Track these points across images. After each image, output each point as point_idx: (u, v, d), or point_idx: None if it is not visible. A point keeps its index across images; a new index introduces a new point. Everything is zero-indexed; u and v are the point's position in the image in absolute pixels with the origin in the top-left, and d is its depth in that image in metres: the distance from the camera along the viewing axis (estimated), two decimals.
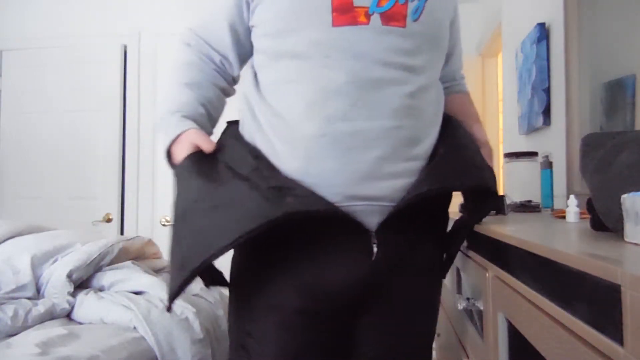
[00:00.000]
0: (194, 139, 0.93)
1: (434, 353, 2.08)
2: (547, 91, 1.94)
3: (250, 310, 0.93)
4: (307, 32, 0.89)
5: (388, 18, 0.89)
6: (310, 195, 0.86)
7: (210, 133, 1.01)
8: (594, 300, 0.45)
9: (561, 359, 0.52)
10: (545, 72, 1.96)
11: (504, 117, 2.86)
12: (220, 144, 0.96)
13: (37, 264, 1.81)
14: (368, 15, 0.88)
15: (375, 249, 0.88)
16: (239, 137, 0.97)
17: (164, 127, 0.97)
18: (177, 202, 0.90)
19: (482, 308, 0.92)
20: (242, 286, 0.97)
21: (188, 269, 0.82)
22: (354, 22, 0.88)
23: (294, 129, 0.88)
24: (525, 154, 1.68)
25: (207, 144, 0.93)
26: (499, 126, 3.22)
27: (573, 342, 0.48)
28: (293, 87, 0.90)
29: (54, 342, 1.39)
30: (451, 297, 1.32)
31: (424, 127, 0.93)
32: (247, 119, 0.96)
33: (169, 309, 0.94)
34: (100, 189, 3.09)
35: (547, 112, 1.94)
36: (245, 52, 1.01)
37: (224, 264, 0.96)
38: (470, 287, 1.12)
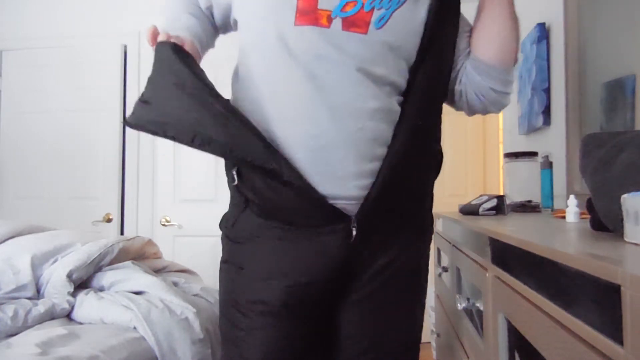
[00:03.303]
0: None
1: (433, 353, 2.07)
2: (547, 91, 1.94)
3: (236, 304, 0.96)
4: (272, 29, 0.91)
5: (350, 24, 0.89)
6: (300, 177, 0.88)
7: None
8: (594, 300, 0.45)
9: (561, 359, 0.52)
10: (545, 72, 1.96)
11: (504, 117, 2.86)
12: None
13: (37, 264, 1.81)
14: (330, 19, 0.89)
15: (354, 232, 0.90)
16: None
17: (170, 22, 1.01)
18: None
19: (482, 308, 0.92)
20: (228, 282, 1.00)
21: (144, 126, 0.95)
22: (315, 23, 0.89)
23: (262, 130, 0.89)
24: (525, 154, 1.68)
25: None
26: (499, 126, 3.22)
27: (573, 342, 0.48)
28: (259, 86, 0.93)
29: (54, 342, 1.38)
30: (451, 297, 1.32)
31: (390, 128, 0.92)
32: None
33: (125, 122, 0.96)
34: (100, 189, 3.09)
35: (547, 112, 1.94)
36: (221, 26, 1.07)
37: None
38: (470, 287, 1.12)
